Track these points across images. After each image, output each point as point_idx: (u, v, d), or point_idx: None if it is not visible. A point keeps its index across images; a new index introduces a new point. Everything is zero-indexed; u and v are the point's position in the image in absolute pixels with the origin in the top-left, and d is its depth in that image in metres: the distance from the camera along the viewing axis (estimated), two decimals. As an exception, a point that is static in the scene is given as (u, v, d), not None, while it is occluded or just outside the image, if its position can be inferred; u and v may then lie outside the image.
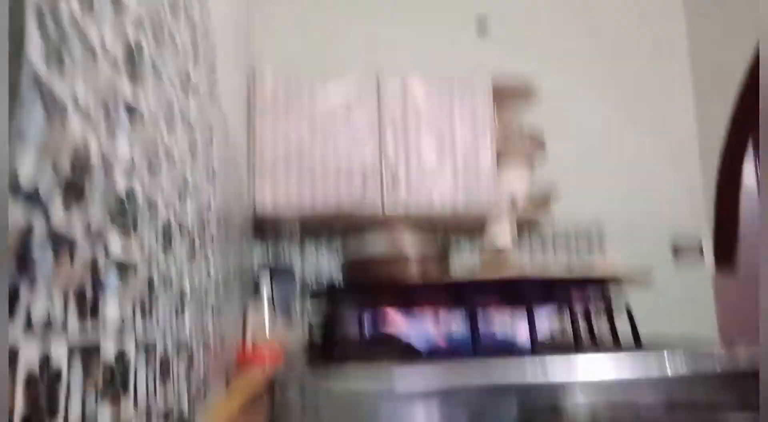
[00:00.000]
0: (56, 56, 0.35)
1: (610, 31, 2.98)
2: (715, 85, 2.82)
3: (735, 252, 2.76)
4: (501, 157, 2.48)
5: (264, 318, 1.74)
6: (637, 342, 0.60)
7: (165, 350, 0.64)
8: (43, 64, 0.33)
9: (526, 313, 0.53)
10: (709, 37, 2.90)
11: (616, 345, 0.63)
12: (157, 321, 0.61)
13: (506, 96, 2.59)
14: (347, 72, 2.41)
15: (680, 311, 2.67)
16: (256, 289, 1.85)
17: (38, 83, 0.33)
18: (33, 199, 0.32)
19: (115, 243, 0.49)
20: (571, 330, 0.55)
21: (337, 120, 2.32)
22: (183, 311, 0.76)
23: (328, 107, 2.32)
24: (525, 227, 2.60)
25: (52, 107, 0.35)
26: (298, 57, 2.62)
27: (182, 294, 0.75)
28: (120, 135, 0.50)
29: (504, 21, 2.88)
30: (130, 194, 0.52)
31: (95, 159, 0.43)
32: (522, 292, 0.57)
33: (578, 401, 0.38)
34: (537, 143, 2.57)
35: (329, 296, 0.78)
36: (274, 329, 1.74)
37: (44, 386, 0.34)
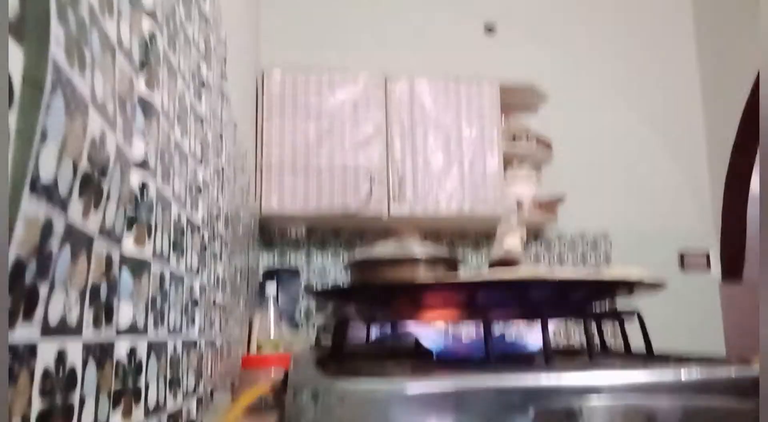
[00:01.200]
0: (77, 51, 0.35)
1: (620, 37, 2.97)
2: (724, 94, 2.81)
3: (742, 262, 2.75)
4: (508, 160, 2.48)
5: (270, 321, 1.74)
6: (650, 351, 0.59)
7: (174, 350, 0.64)
8: (65, 59, 0.33)
9: (539, 319, 0.52)
10: (717, 47, 2.89)
11: (628, 353, 0.62)
12: (168, 321, 0.61)
13: (514, 100, 2.59)
14: (355, 73, 2.40)
15: (686, 321, 2.65)
16: (262, 293, 1.85)
17: (60, 77, 0.32)
18: (52, 194, 0.32)
19: (129, 240, 0.48)
20: (584, 336, 0.54)
21: (344, 120, 2.32)
22: (193, 312, 0.75)
23: (335, 106, 2.31)
24: (530, 233, 2.59)
25: (73, 102, 0.34)
26: (307, 58, 2.61)
27: (192, 294, 0.75)
28: (135, 130, 0.50)
29: (512, 25, 2.87)
30: (144, 191, 0.52)
31: (111, 154, 0.43)
32: (536, 297, 0.56)
33: (594, 405, 0.38)
34: (544, 147, 2.56)
35: (336, 296, 0.77)
36: (279, 332, 1.73)
37: (60, 384, 0.34)
